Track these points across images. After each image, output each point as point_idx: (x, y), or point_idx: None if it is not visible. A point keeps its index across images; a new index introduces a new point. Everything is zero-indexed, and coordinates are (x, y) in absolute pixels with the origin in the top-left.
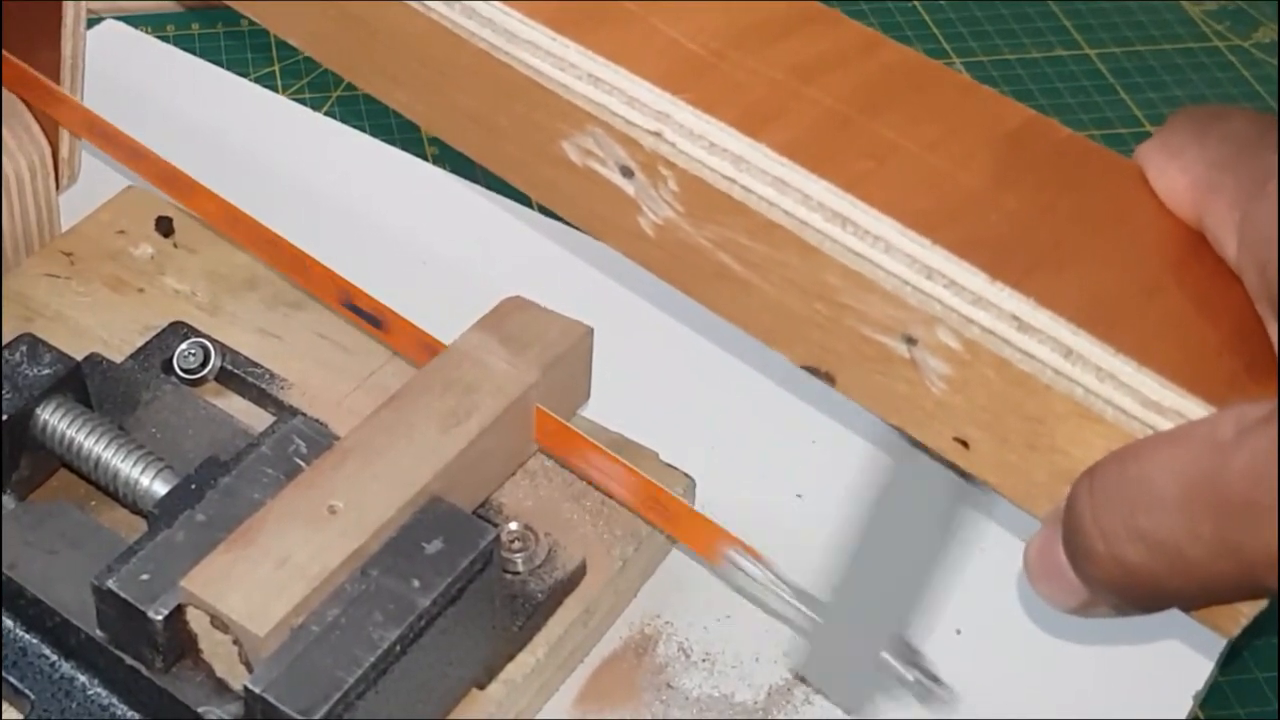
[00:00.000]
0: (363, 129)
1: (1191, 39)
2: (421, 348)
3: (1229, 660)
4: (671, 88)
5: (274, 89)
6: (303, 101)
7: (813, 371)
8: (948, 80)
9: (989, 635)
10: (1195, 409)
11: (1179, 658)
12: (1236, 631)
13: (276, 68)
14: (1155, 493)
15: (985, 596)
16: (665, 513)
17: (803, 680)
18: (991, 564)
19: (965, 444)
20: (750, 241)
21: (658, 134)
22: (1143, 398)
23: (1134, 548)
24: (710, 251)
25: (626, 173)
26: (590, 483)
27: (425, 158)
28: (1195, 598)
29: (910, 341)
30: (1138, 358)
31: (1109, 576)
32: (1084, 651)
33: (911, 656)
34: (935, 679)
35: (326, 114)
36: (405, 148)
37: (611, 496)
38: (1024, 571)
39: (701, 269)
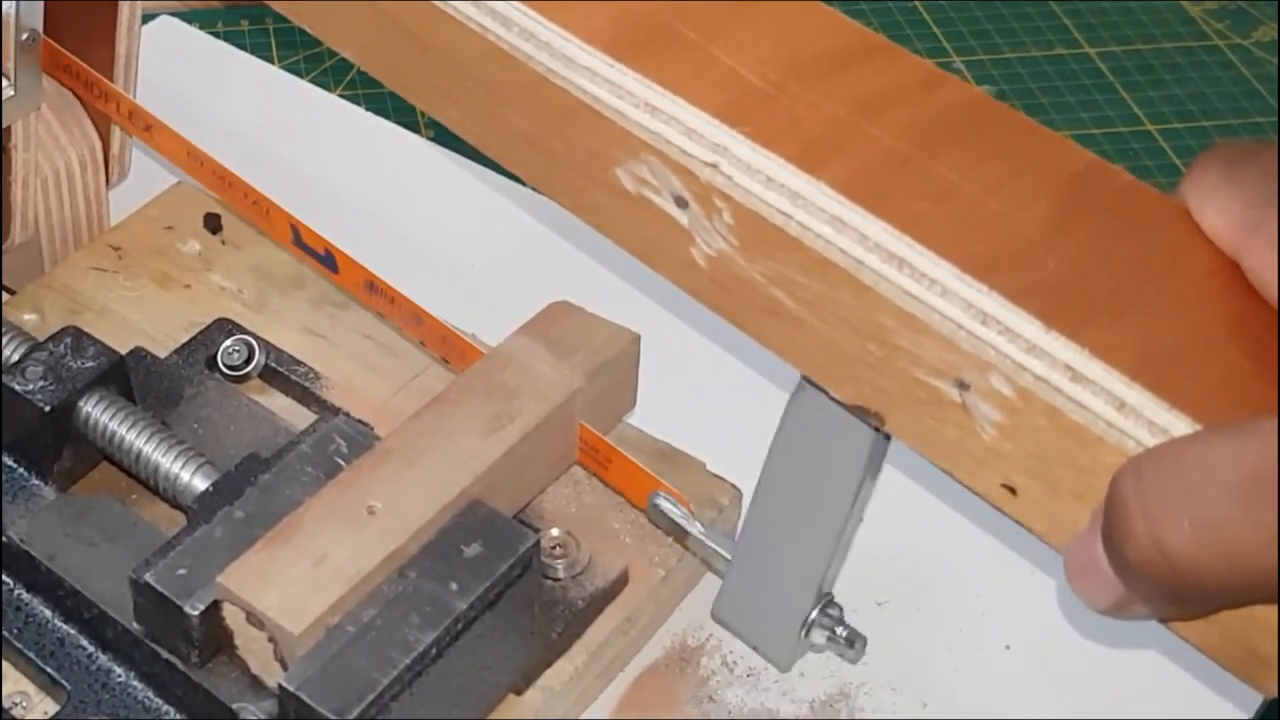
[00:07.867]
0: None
1: (1191, 38)
2: (366, 287)
3: None
4: (730, 120)
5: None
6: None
7: (861, 411)
8: (1009, 120)
9: (1037, 652)
10: None
11: (1216, 709)
12: (1275, 691)
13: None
14: (1216, 476)
15: (1035, 619)
16: (597, 457)
17: (721, 624)
18: (1041, 588)
19: (1013, 490)
20: (804, 278)
21: (714, 166)
22: None
23: (1178, 531)
24: (763, 286)
25: (681, 203)
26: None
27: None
28: (1235, 593)
29: (963, 386)
30: (1192, 413)
31: (1146, 560)
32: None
33: (831, 611)
34: (854, 636)
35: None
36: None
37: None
38: (1064, 570)
39: (753, 303)
